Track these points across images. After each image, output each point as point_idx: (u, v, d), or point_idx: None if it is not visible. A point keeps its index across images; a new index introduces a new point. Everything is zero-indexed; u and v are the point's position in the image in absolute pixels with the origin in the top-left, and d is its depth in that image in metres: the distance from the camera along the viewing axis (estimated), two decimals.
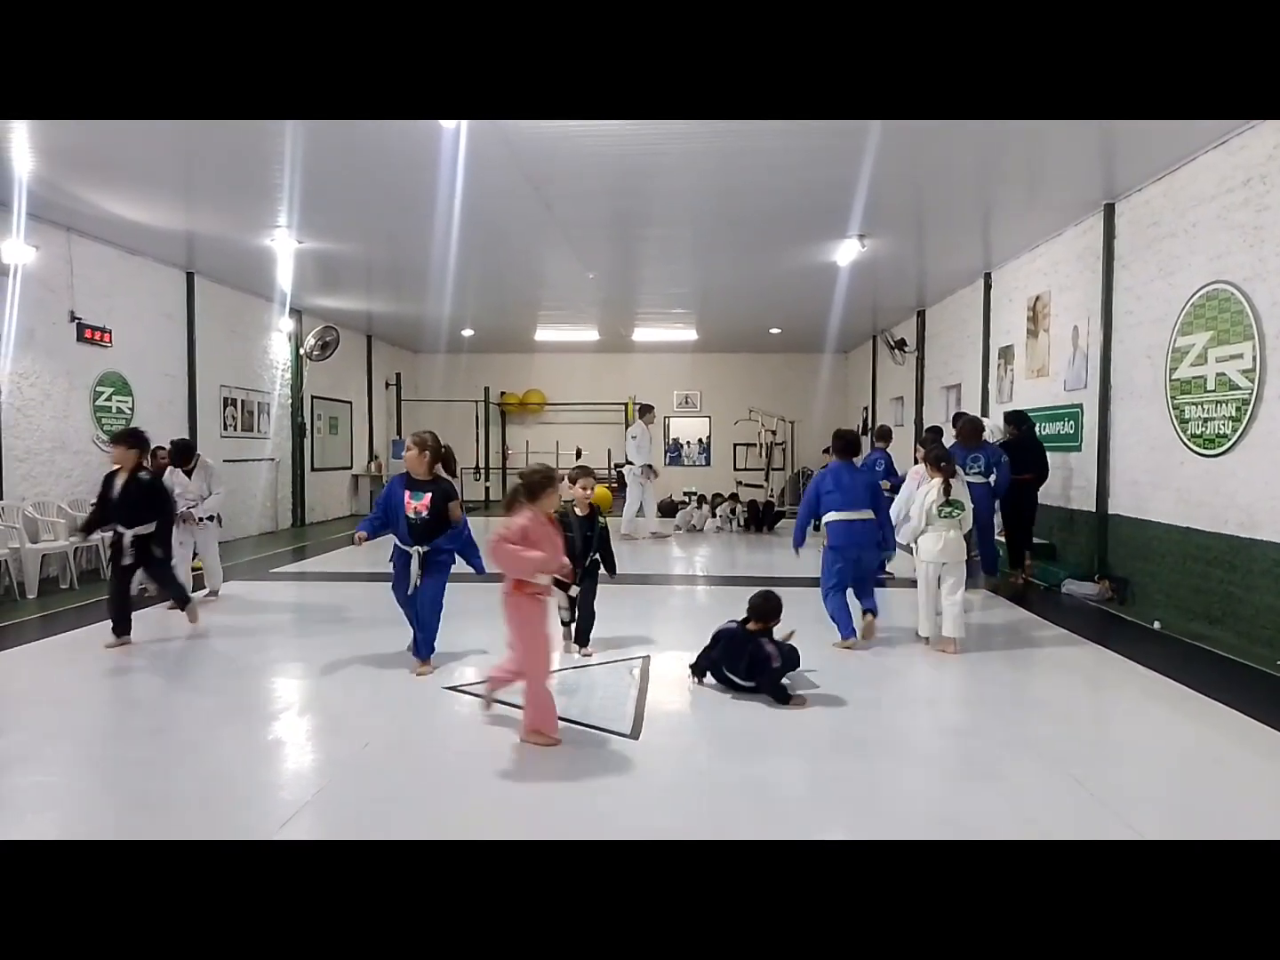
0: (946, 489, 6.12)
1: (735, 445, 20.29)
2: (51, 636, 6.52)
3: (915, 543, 6.29)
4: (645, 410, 13.51)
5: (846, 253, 9.94)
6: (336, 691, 5.18)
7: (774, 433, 18.56)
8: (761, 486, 17.17)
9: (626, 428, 20.31)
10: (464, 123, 6.14)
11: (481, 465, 19.57)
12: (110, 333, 9.79)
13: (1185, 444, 6.91)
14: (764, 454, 18.18)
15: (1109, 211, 8.10)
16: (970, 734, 4.47)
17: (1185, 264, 6.94)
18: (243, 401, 12.95)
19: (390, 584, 5.67)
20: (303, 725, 4.66)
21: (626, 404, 20.45)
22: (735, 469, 19.77)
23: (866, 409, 17.91)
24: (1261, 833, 3.24)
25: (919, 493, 6.37)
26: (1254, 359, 6.08)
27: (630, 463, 13.02)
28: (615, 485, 19.19)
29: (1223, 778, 3.87)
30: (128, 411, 10.18)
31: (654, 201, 8.41)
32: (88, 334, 9.45)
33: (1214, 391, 6.54)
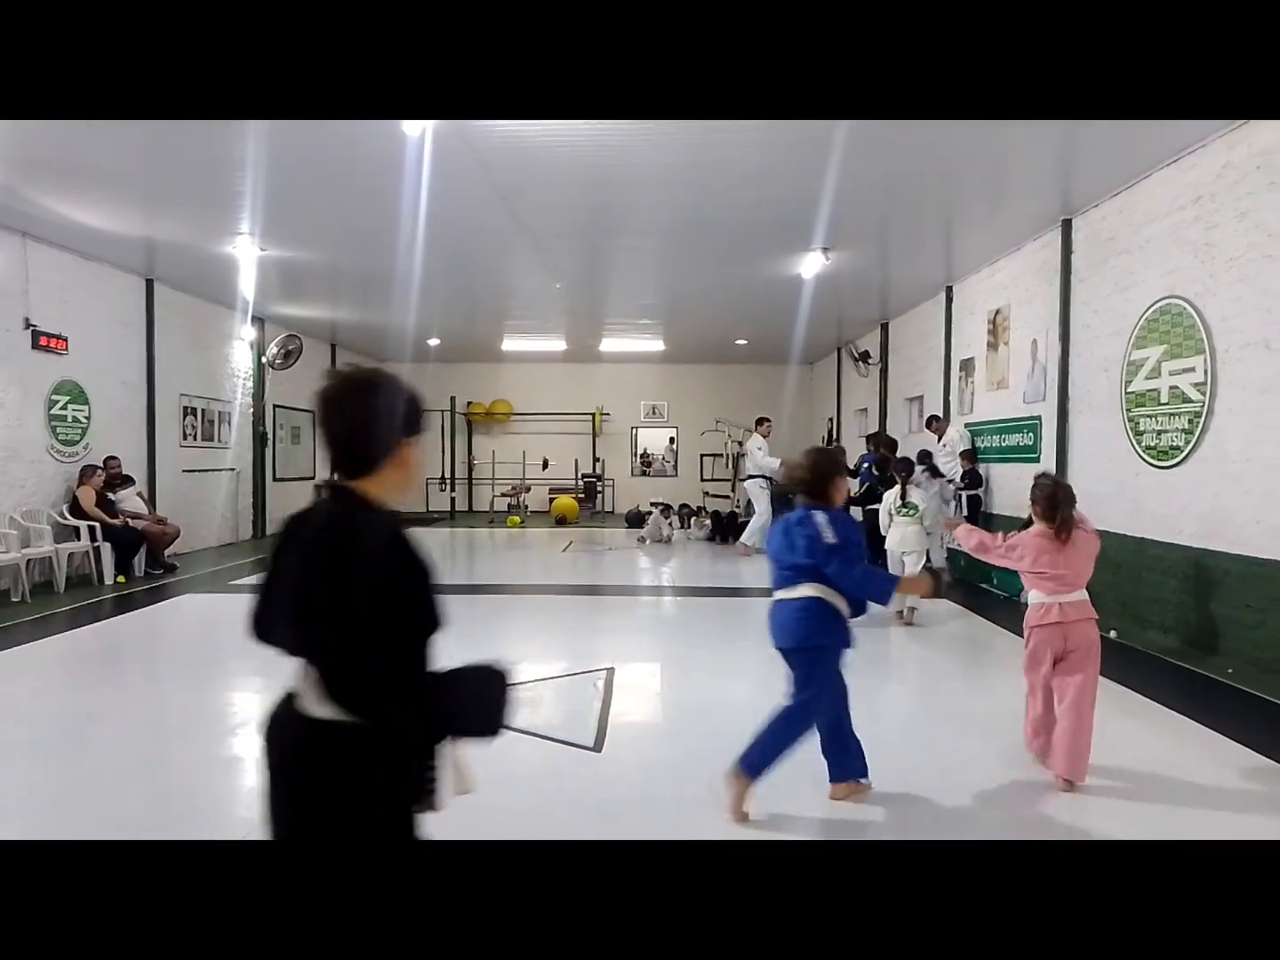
0: (903, 493, 7.66)
1: (702, 456, 20.36)
2: (2, 650, 6.36)
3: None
4: (763, 421, 13.53)
5: (811, 265, 10.03)
6: None
7: (740, 443, 18.66)
8: (728, 497, 17.25)
9: (595, 438, 20.39)
10: (430, 131, 6.12)
11: (447, 475, 19.47)
12: (66, 340, 9.61)
13: (1140, 455, 7.05)
14: (730, 465, 18.26)
15: (1066, 227, 8.26)
16: (926, 745, 4.51)
17: (1139, 279, 7.10)
18: (203, 410, 12.76)
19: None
20: (262, 740, 4.59)
21: (594, 414, 20.46)
22: (702, 479, 19.83)
23: (831, 420, 18.07)
24: (1210, 832, 3.29)
25: (885, 496, 7.98)
26: (1205, 373, 6.22)
27: (753, 475, 13.00)
28: (582, 496, 19.21)
29: (1175, 783, 3.93)
30: (84, 420, 9.99)
31: (621, 212, 8.44)
32: (43, 341, 9.26)
33: (1167, 404, 6.68)
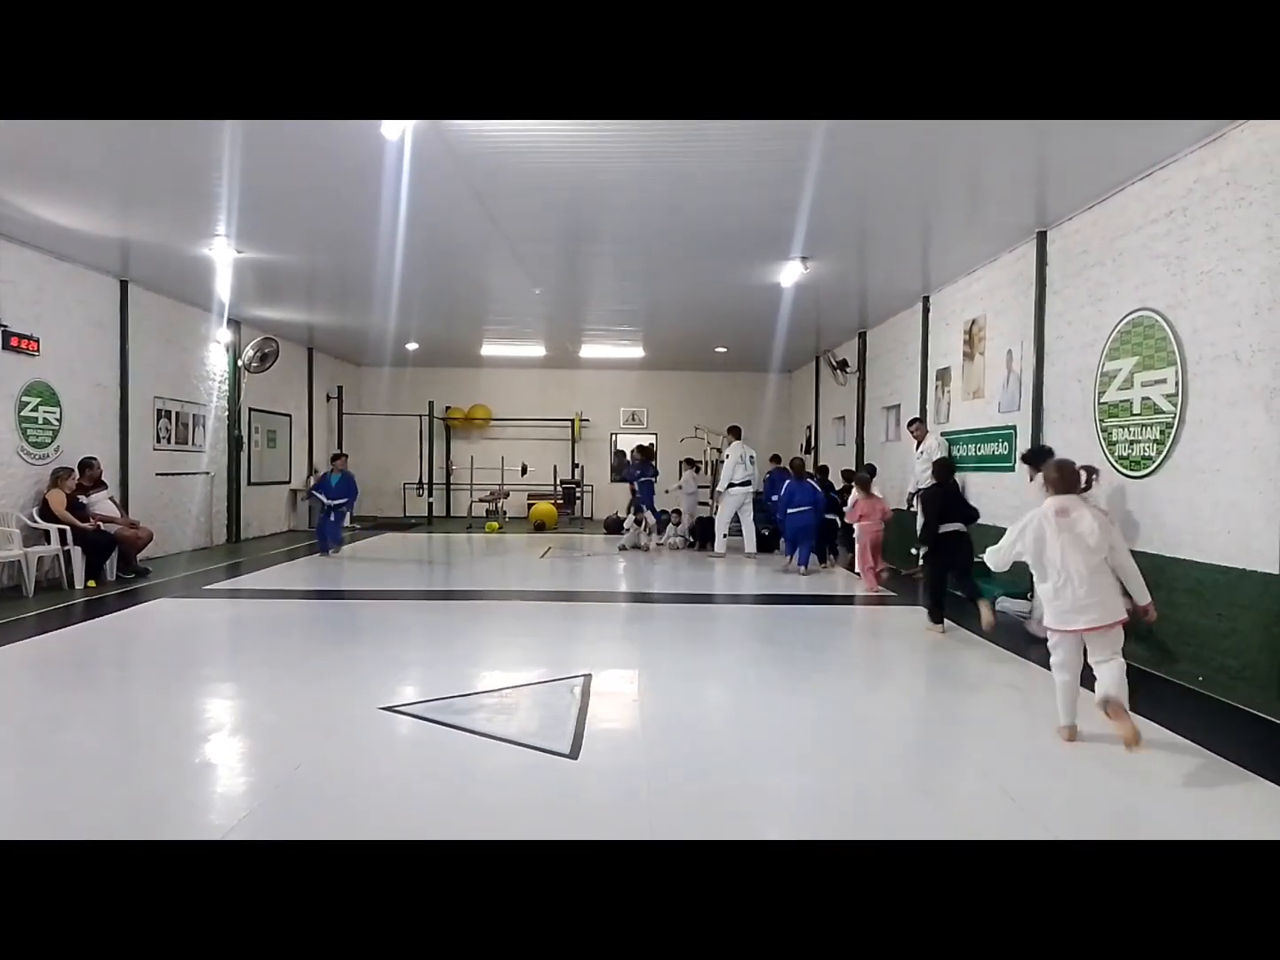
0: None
1: (681, 463, 20.35)
2: None
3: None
4: (739, 430, 13.66)
5: (790, 274, 10.09)
6: (269, 712, 5.05)
7: (719, 450, 18.66)
8: (707, 504, 17.23)
9: (574, 444, 20.34)
10: (408, 134, 6.09)
11: (425, 480, 19.36)
12: (38, 341, 9.48)
13: (1113, 465, 7.13)
14: (709, 471, 18.26)
15: (1041, 239, 8.36)
16: (904, 747, 4.53)
17: (1113, 291, 7.19)
18: (177, 413, 12.63)
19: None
20: (234, 746, 4.54)
21: (573, 420, 20.42)
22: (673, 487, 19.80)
23: (810, 428, 18.15)
24: (1178, 838, 3.32)
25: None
26: (1176, 384, 6.30)
27: (737, 484, 12.95)
28: (560, 501, 19.16)
29: (1145, 788, 3.97)
30: (55, 422, 9.86)
31: (600, 218, 8.45)
32: (14, 342, 9.13)
33: (1139, 415, 6.77)
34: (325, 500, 12.64)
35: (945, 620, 7.51)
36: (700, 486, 15.83)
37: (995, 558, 4.71)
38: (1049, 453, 9.47)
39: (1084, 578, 4.21)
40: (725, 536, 13.21)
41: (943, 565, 7.58)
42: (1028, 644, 6.70)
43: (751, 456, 13.22)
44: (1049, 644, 4.55)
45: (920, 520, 8.53)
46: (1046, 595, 4.42)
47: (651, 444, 17.13)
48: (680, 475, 16.28)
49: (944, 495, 7.70)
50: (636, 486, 14.53)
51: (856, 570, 10.18)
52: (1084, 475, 4.70)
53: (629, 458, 16.39)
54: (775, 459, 14.20)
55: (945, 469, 7.99)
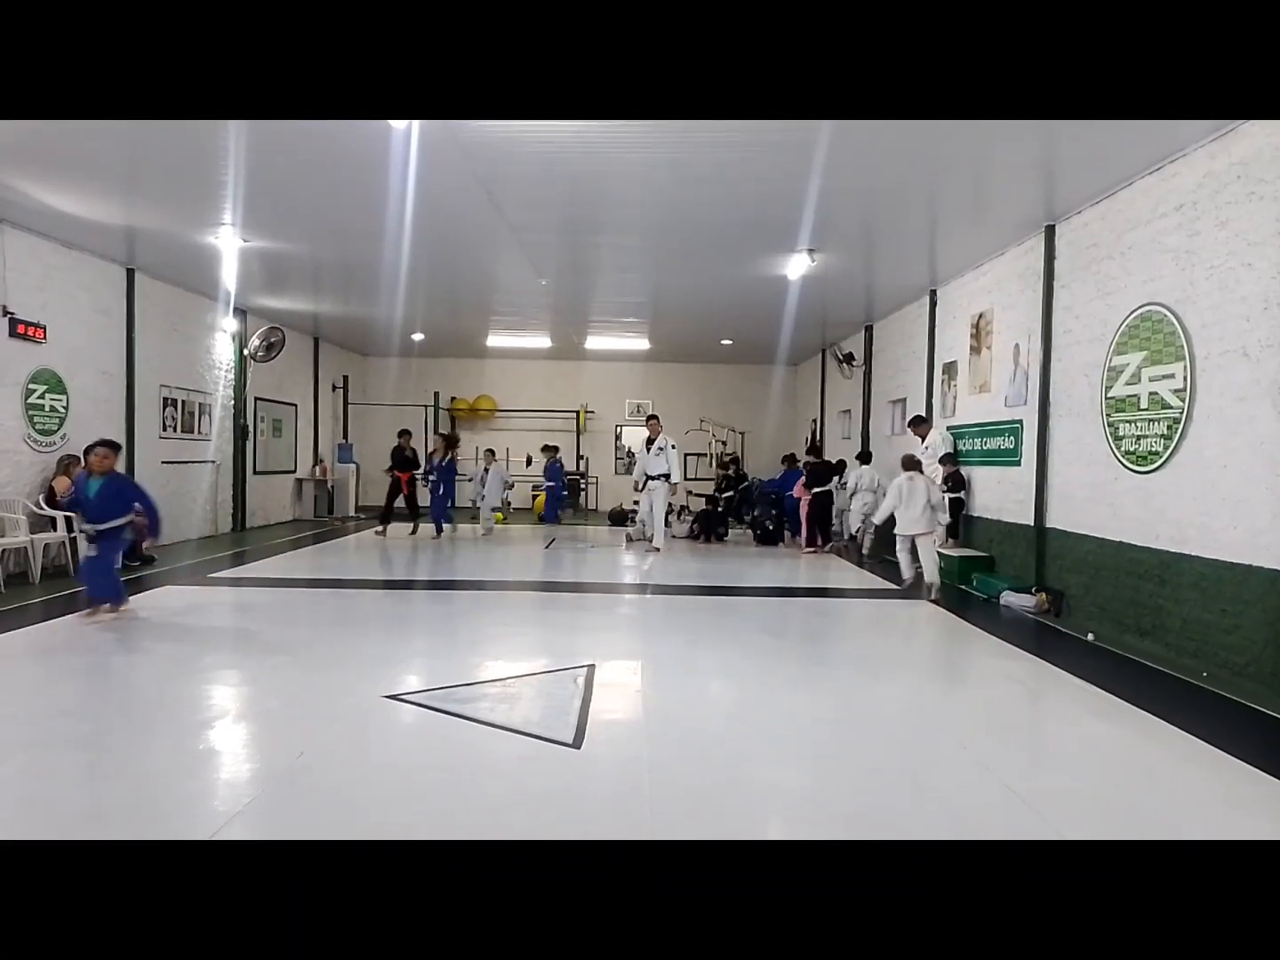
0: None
1: (686, 455, 20.34)
2: None
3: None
4: (657, 419, 13.28)
5: (796, 267, 10.05)
6: (273, 699, 5.06)
7: (724, 443, 18.68)
8: (713, 496, 17.22)
9: (579, 435, 20.34)
10: (415, 124, 6.08)
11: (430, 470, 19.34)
12: (44, 328, 9.49)
13: (1120, 460, 7.11)
14: (714, 464, 18.27)
15: (1049, 233, 8.32)
16: (907, 742, 4.53)
17: (1121, 285, 7.16)
18: (183, 402, 12.65)
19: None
20: (237, 733, 4.55)
21: (578, 412, 20.41)
22: (685, 479, 19.79)
23: (815, 421, 18.11)
24: (1182, 835, 3.32)
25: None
26: (1185, 379, 6.28)
27: (663, 475, 12.63)
28: (565, 493, 19.14)
29: (1149, 784, 3.97)
30: (61, 410, 9.88)
31: (606, 209, 8.42)
32: (20, 329, 9.15)
33: (1147, 410, 6.74)
34: (84, 523, 7.05)
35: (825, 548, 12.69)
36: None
37: (882, 510, 9.16)
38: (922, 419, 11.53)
39: (916, 509, 8.54)
40: (669, 528, 13.31)
41: (817, 511, 12.82)
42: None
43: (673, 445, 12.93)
44: (897, 545, 9.01)
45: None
46: (902, 517, 8.67)
47: (457, 435, 16.78)
48: (479, 465, 15.91)
49: (815, 467, 13.14)
50: (434, 478, 14.53)
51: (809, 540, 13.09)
52: (915, 461, 9.01)
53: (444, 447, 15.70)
54: (788, 459, 15.44)
55: (954, 468, 9.88)
